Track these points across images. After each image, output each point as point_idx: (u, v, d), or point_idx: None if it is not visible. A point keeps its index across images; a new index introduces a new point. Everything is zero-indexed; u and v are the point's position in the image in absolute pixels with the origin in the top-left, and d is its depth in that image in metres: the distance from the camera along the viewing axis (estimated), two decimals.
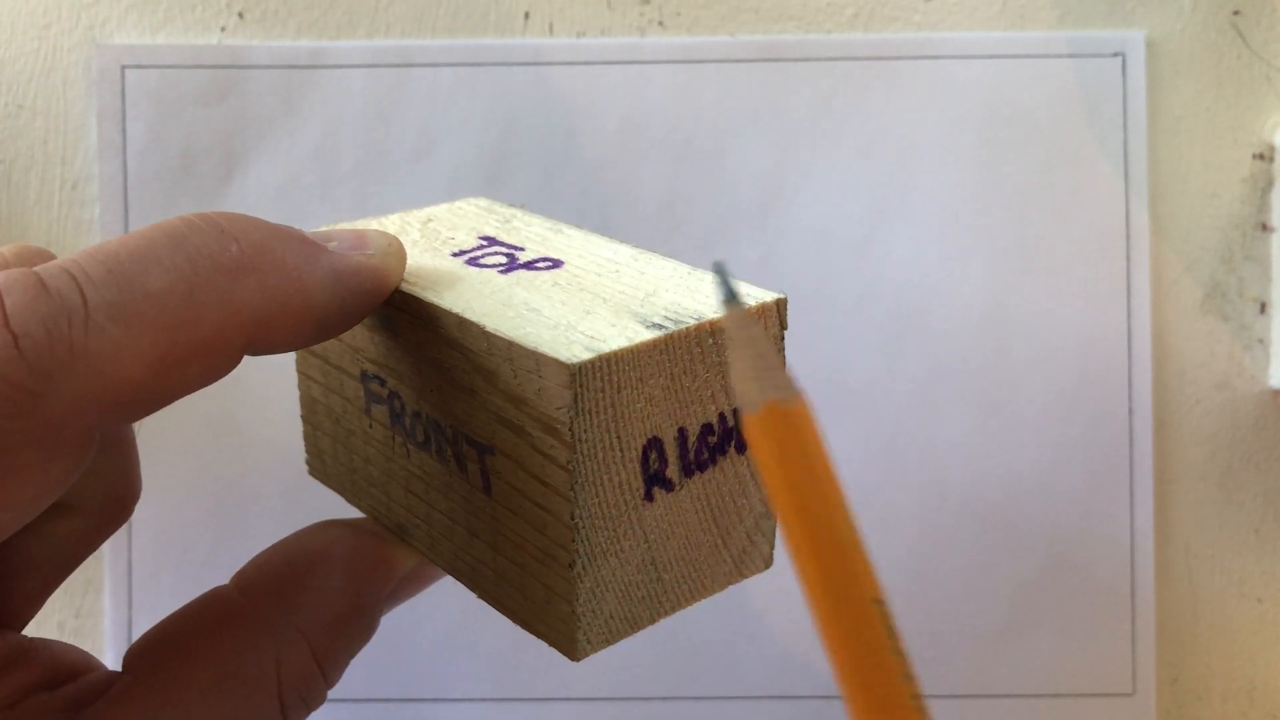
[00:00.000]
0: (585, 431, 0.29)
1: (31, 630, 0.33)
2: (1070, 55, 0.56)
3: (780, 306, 0.32)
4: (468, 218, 0.39)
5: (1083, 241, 0.56)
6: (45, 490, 0.27)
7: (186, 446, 0.56)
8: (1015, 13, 0.56)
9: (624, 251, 0.35)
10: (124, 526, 0.38)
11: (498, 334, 0.30)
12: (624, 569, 0.31)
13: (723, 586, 0.34)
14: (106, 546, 0.54)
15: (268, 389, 0.55)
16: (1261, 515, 0.56)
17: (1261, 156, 0.56)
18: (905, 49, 0.56)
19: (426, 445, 0.34)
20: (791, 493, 0.24)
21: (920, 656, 0.56)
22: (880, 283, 0.56)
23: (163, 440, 0.55)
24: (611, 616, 0.32)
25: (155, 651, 0.33)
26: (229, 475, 0.56)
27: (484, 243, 0.36)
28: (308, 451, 0.40)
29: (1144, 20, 0.56)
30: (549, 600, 0.32)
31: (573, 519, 0.30)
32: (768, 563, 0.35)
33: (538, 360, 0.29)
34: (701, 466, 0.32)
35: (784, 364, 0.25)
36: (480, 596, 0.35)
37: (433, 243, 0.36)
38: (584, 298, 0.32)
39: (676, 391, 0.30)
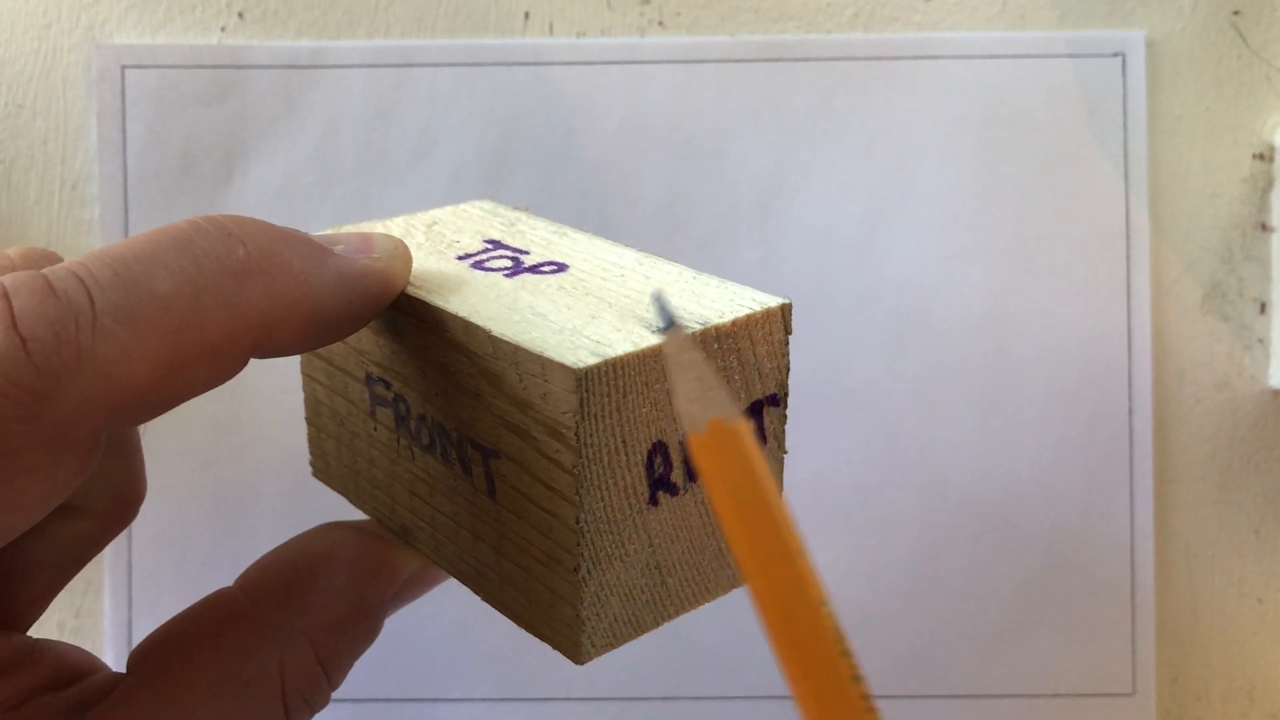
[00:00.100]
0: (591, 436, 0.29)
1: (31, 631, 0.33)
2: (1070, 55, 0.56)
3: (785, 311, 0.32)
4: (472, 221, 0.39)
5: (1083, 241, 0.56)
6: (52, 492, 0.27)
7: (186, 446, 0.56)
8: (1015, 13, 0.56)
9: (629, 255, 0.35)
10: None
11: (504, 338, 0.30)
12: (628, 573, 0.31)
13: (726, 590, 0.34)
14: (107, 547, 0.54)
15: (267, 389, 0.55)
16: (1261, 515, 0.56)
17: (1261, 156, 0.56)
18: (905, 49, 0.56)
19: (431, 448, 0.34)
20: (737, 505, 0.25)
21: (920, 656, 0.56)
22: (880, 283, 0.56)
23: (163, 440, 0.55)
24: (615, 620, 0.32)
25: (159, 653, 0.33)
26: (229, 475, 0.56)
27: (489, 246, 0.36)
28: (312, 453, 0.40)
29: (1144, 20, 0.56)
30: (553, 604, 0.32)
31: (578, 523, 0.30)
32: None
33: (544, 365, 0.29)
34: None
35: (723, 386, 0.26)
36: (484, 599, 0.35)
37: (438, 246, 0.36)
38: (589, 302, 0.32)
39: None
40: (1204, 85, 0.56)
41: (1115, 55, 0.56)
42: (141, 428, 0.33)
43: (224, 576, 0.36)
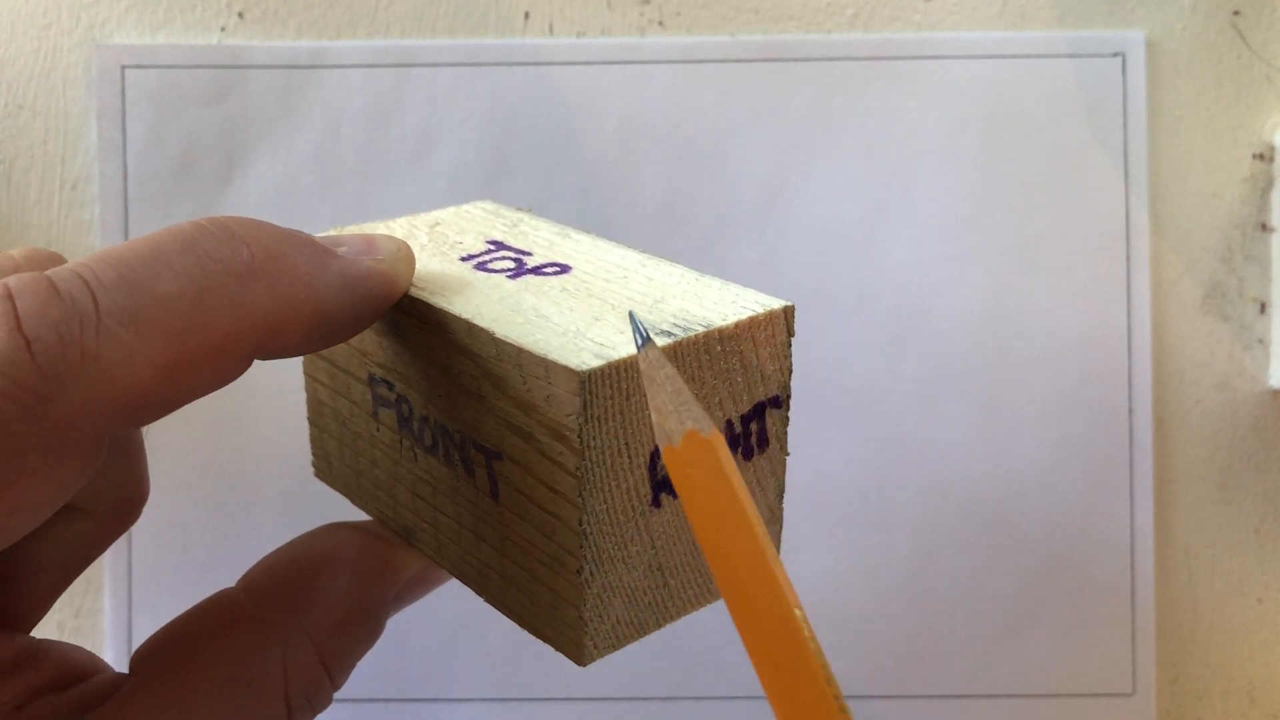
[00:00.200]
0: (594, 438, 0.29)
1: (32, 631, 0.33)
2: (1070, 55, 0.56)
3: (788, 314, 0.32)
4: (475, 222, 0.39)
5: (1083, 241, 0.56)
6: (55, 494, 0.27)
7: (186, 446, 0.56)
8: (1015, 13, 0.56)
9: (631, 257, 0.35)
10: None
11: (507, 340, 0.30)
12: (631, 574, 0.31)
13: None
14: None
15: (267, 389, 0.55)
16: (1261, 515, 0.56)
17: (1261, 156, 0.56)
18: (905, 49, 0.56)
19: (434, 450, 0.34)
20: (711, 515, 0.26)
21: (920, 656, 0.56)
22: (880, 283, 0.56)
23: (163, 440, 0.55)
24: (618, 622, 0.32)
25: (162, 654, 0.33)
26: (229, 475, 0.56)
27: (492, 247, 0.36)
28: (314, 454, 0.40)
29: (1144, 20, 0.56)
30: (556, 605, 0.32)
31: (580, 525, 0.29)
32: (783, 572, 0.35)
33: (547, 367, 0.29)
34: None
35: (697, 400, 0.27)
36: (487, 600, 0.35)
37: (440, 247, 0.36)
38: (592, 304, 0.32)
39: None
40: (1204, 85, 0.56)
41: (1115, 55, 0.56)
42: (144, 429, 0.33)
43: (224, 576, 0.36)
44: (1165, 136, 0.56)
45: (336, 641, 0.34)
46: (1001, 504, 0.56)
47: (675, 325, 0.30)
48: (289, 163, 0.56)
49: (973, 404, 0.56)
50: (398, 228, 0.38)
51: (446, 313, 0.32)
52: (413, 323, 0.33)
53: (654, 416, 0.27)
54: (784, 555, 0.35)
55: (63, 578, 0.34)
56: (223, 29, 0.56)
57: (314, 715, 0.34)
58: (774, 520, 0.34)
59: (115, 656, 0.56)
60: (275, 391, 0.55)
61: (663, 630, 0.33)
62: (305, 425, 0.41)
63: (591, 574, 0.30)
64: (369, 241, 0.32)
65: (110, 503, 0.34)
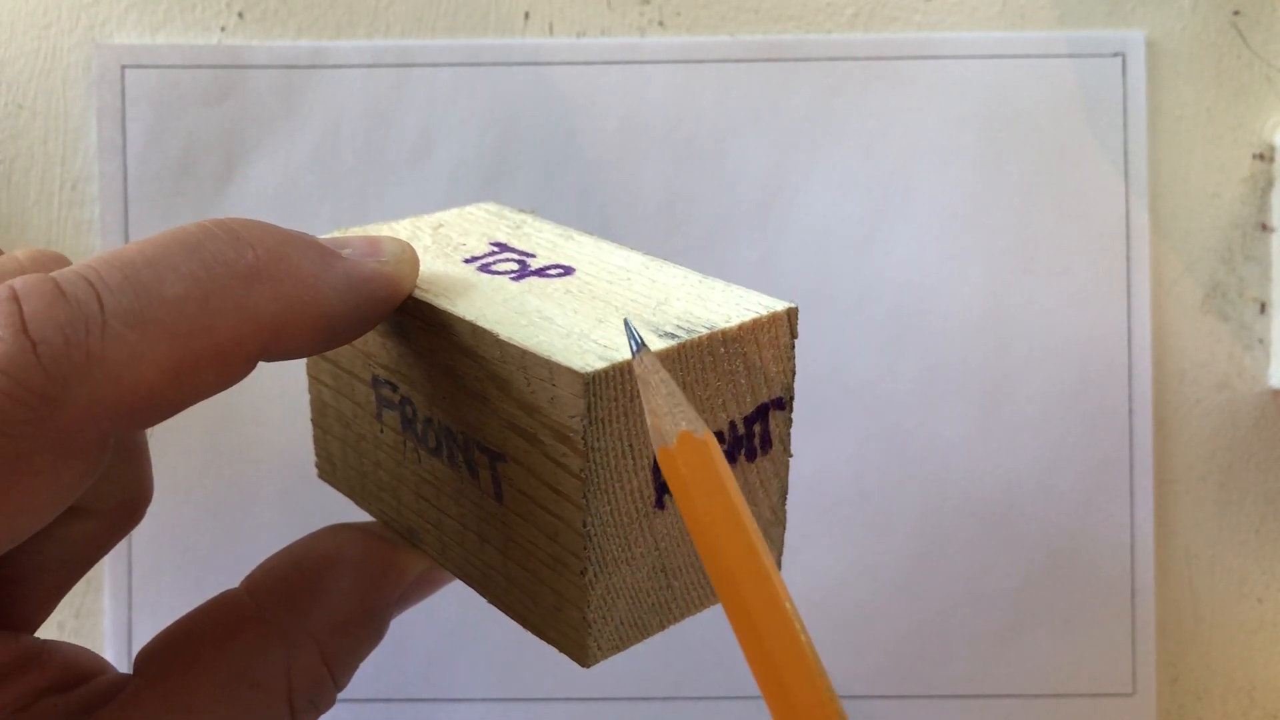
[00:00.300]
0: (598, 440, 0.29)
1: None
2: (1070, 55, 0.56)
3: (791, 316, 0.32)
4: (478, 223, 0.39)
5: (1083, 241, 0.56)
6: (60, 495, 0.27)
7: (187, 446, 0.56)
8: (1015, 13, 0.56)
9: (634, 259, 0.35)
10: None
11: (511, 342, 0.30)
12: (635, 576, 0.31)
13: None
14: None
15: (266, 389, 0.55)
16: (1261, 515, 0.57)
17: (1261, 156, 0.56)
18: (905, 49, 0.56)
19: (438, 451, 0.34)
20: (706, 513, 0.26)
21: (920, 656, 0.56)
22: (880, 283, 0.56)
23: (163, 440, 0.55)
24: (622, 623, 0.32)
25: (165, 655, 0.33)
26: (229, 475, 0.56)
27: (495, 249, 0.36)
28: (317, 455, 0.40)
29: (1144, 20, 0.56)
30: (560, 607, 0.32)
31: (585, 526, 0.30)
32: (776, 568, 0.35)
33: (551, 369, 0.29)
34: None
35: (691, 403, 0.28)
36: (490, 602, 0.35)
37: (444, 249, 0.36)
38: (596, 306, 0.32)
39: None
40: (1204, 85, 0.56)
41: (1115, 55, 0.56)
42: (148, 430, 0.33)
43: (224, 576, 0.36)
44: (1165, 136, 0.56)
45: (340, 643, 0.34)
46: (1001, 504, 0.56)
47: (679, 327, 0.30)
48: (289, 163, 0.56)
49: (972, 404, 0.56)
50: (401, 229, 0.38)
51: (450, 314, 0.32)
52: (417, 324, 0.33)
53: (649, 419, 0.28)
54: (784, 555, 0.35)
55: (66, 578, 0.34)
56: (223, 29, 0.56)
57: (317, 716, 0.34)
58: (777, 522, 0.34)
59: (115, 656, 0.56)
60: (275, 391, 0.55)
61: (663, 630, 0.33)
62: (307, 426, 0.41)
63: (595, 575, 0.30)
64: (373, 243, 0.32)
65: (114, 504, 0.34)
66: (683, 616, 0.33)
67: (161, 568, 0.56)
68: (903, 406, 0.56)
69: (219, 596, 0.35)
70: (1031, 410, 0.56)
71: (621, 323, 0.31)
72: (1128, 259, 0.56)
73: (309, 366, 0.39)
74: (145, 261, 0.27)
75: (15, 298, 0.26)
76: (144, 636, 0.56)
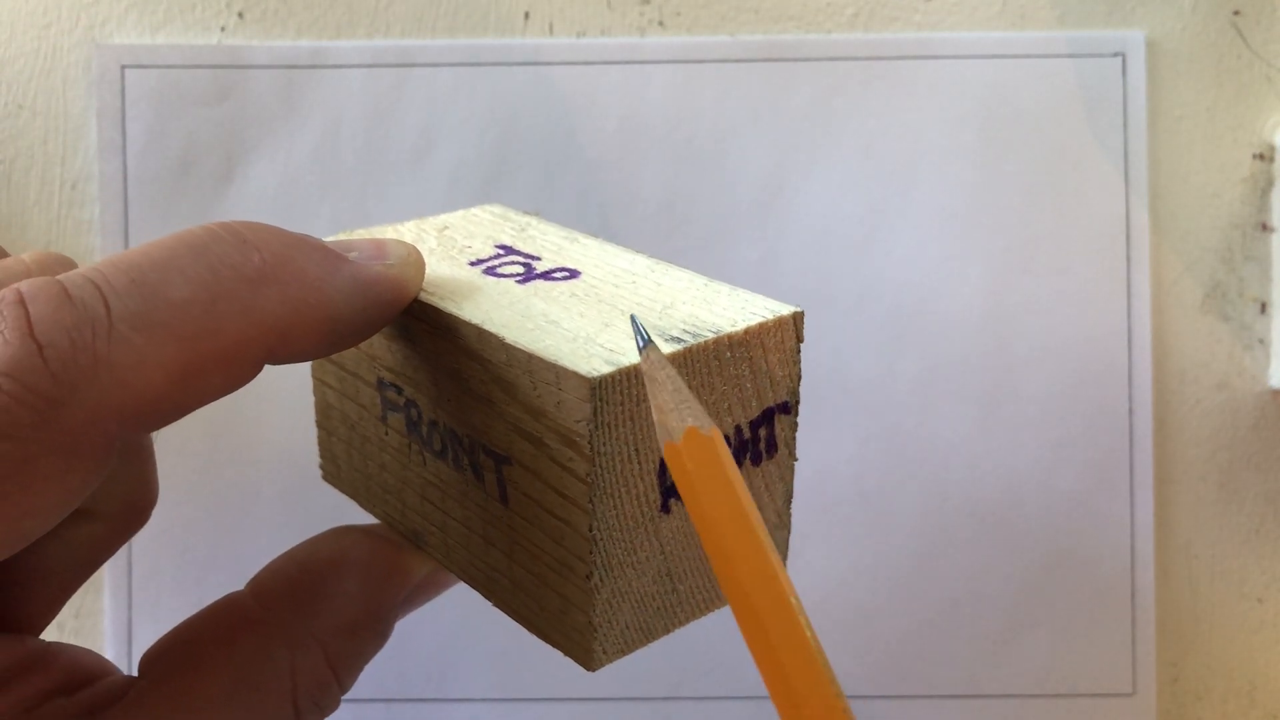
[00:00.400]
0: (604, 444, 0.29)
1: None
2: (1070, 55, 0.56)
3: (797, 320, 0.32)
4: (483, 225, 0.39)
5: (1083, 241, 0.56)
6: (67, 498, 0.27)
7: (190, 447, 0.56)
8: (1015, 13, 0.56)
9: (640, 262, 0.35)
10: None
11: (517, 346, 0.30)
12: (640, 580, 0.31)
13: None
14: None
15: (268, 391, 0.55)
16: (1261, 515, 0.57)
17: (1261, 156, 0.56)
18: (905, 49, 0.56)
19: (443, 454, 0.34)
20: (713, 505, 0.26)
21: (920, 656, 0.56)
22: (880, 283, 0.56)
23: (164, 440, 0.55)
24: (627, 627, 0.32)
25: (170, 657, 0.33)
26: (229, 475, 0.56)
27: (500, 251, 0.36)
28: (322, 457, 0.40)
29: (1144, 20, 0.56)
30: (565, 610, 0.32)
31: (590, 531, 0.30)
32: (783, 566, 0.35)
33: (557, 373, 0.29)
34: None
35: (697, 399, 0.27)
36: (495, 605, 0.35)
37: (449, 251, 0.36)
38: (602, 309, 0.32)
39: None
40: (1204, 85, 0.56)
41: (1115, 55, 0.56)
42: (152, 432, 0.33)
43: (224, 577, 0.36)
44: (1165, 136, 0.56)
45: (344, 645, 0.34)
46: (1001, 503, 0.56)
47: (685, 331, 0.30)
48: (289, 163, 0.56)
49: (972, 403, 0.56)
50: (406, 231, 0.38)
51: (456, 318, 0.32)
52: (422, 327, 0.33)
53: (655, 415, 0.28)
54: (790, 556, 0.35)
55: (71, 581, 0.34)
56: (223, 29, 0.56)
57: (322, 718, 0.34)
58: (782, 526, 0.34)
59: (115, 657, 0.56)
60: (277, 393, 0.55)
61: (668, 634, 0.33)
62: (311, 428, 0.41)
63: (601, 579, 0.30)
64: (379, 246, 0.32)
65: (119, 506, 0.34)
66: (688, 620, 0.33)
67: (162, 568, 0.56)
68: (903, 406, 0.56)
69: (224, 599, 0.35)
70: (1031, 410, 0.56)
71: (627, 327, 0.31)
72: (1128, 259, 0.56)
73: (314, 369, 0.39)
74: (151, 265, 0.27)
75: (22, 301, 0.26)
76: (144, 637, 0.56)
